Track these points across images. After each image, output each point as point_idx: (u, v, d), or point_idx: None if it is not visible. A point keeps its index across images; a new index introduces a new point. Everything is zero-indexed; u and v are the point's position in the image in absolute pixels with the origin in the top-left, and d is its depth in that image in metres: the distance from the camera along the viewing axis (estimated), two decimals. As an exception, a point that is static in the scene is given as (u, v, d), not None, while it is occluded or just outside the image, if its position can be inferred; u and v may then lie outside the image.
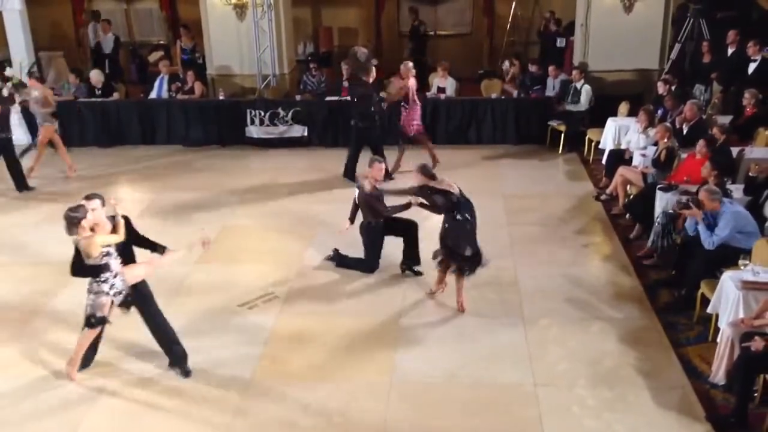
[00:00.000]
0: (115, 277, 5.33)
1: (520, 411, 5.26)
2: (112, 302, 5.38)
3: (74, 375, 5.64)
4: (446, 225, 6.49)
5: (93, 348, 5.75)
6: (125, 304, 5.47)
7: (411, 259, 7.33)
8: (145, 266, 5.64)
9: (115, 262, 5.32)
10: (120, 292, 5.37)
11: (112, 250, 5.31)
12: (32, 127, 12.32)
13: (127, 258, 5.56)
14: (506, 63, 13.30)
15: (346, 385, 5.60)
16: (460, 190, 6.43)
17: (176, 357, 5.71)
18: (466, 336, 6.23)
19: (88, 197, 5.40)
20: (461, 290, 6.62)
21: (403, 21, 16.66)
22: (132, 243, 5.66)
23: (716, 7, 11.91)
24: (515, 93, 12.26)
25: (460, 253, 6.45)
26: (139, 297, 5.52)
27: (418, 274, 7.25)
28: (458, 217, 6.36)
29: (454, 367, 5.80)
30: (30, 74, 11.43)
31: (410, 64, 10.39)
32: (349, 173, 10.03)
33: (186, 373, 5.70)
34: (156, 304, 5.64)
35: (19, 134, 12.38)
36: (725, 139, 8.23)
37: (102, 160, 11.32)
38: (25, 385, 5.65)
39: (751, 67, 10.30)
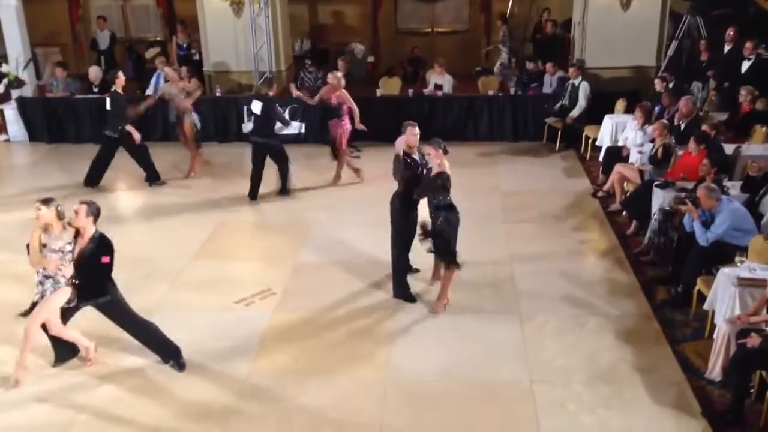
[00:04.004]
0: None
1: (516, 407, 5.26)
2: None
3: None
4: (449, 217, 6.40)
5: (69, 344, 5.79)
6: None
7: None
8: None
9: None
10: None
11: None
12: (29, 123, 12.31)
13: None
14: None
15: (342, 382, 5.60)
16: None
17: (168, 352, 5.75)
18: (462, 332, 6.23)
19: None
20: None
21: (401, 18, 16.66)
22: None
23: (712, 4, 11.91)
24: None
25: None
26: (105, 310, 5.59)
27: (415, 270, 7.21)
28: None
29: (450, 363, 5.80)
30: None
31: (339, 73, 9.74)
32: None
33: (181, 366, 5.71)
34: (129, 314, 5.63)
35: (15, 130, 12.40)
36: (715, 134, 8.22)
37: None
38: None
39: (745, 65, 10.30)
